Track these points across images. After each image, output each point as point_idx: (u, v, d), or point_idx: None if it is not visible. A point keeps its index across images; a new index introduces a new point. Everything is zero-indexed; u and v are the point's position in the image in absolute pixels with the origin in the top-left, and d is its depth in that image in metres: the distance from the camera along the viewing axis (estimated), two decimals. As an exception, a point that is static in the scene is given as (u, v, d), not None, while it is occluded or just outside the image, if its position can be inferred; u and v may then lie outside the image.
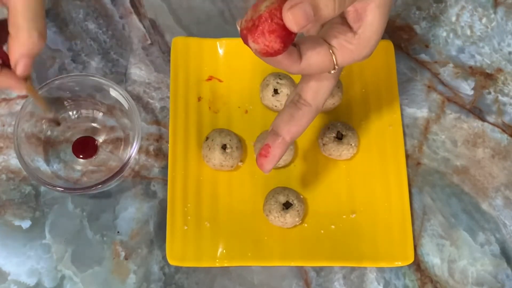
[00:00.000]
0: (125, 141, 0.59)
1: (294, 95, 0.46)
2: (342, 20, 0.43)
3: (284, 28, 0.37)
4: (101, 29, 0.63)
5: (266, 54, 0.38)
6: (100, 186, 0.55)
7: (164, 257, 0.56)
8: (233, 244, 0.56)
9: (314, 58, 0.42)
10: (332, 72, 0.43)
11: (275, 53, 0.38)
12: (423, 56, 0.64)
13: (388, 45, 0.63)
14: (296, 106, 0.46)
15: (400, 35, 0.65)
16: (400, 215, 0.57)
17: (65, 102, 0.59)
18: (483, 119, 0.62)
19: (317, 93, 0.45)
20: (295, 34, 0.38)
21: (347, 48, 0.42)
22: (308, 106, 0.45)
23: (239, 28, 0.39)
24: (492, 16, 0.65)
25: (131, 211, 0.58)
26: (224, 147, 0.57)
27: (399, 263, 0.56)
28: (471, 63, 0.64)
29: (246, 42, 0.39)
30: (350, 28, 0.42)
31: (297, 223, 0.56)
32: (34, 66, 0.61)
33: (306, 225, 0.57)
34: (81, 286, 0.55)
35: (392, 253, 0.56)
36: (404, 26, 0.65)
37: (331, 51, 0.42)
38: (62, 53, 0.62)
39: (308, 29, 0.38)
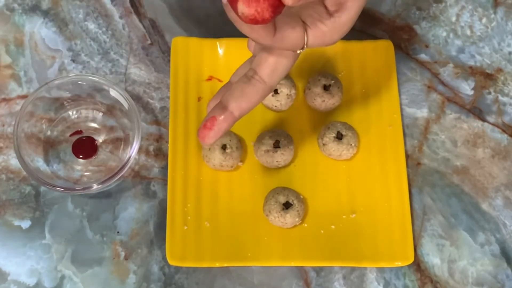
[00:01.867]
0: (125, 141, 0.59)
1: (249, 70, 0.45)
2: (320, 1, 0.42)
3: None
4: (101, 29, 0.63)
5: (253, 21, 0.37)
6: (100, 186, 0.55)
7: (164, 257, 0.56)
8: (233, 244, 0.56)
9: (289, 33, 0.41)
10: (299, 52, 0.42)
11: (261, 22, 0.37)
12: (423, 56, 0.64)
13: (388, 45, 0.63)
14: (250, 82, 0.44)
15: (400, 35, 0.65)
16: (400, 215, 0.57)
17: (65, 102, 0.59)
18: (483, 119, 0.62)
19: (274, 71, 0.44)
20: (283, 7, 0.37)
21: (320, 30, 0.42)
22: (263, 83, 0.44)
23: None
24: (492, 16, 0.66)
25: (131, 211, 0.58)
26: (224, 147, 0.57)
27: (399, 263, 0.56)
28: (471, 63, 0.64)
29: (234, 3, 0.36)
30: (327, 10, 0.42)
31: (297, 223, 0.56)
32: (33, 66, 0.62)
33: (306, 225, 0.57)
34: (81, 286, 0.55)
35: (392, 253, 0.56)
36: (404, 26, 0.65)
37: (304, 30, 0.41)
38: (62, 53, 0.62)
39: (301, 4, 0.37)
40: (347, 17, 0.42)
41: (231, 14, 0.39)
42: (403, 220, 0.57)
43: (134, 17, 0.64)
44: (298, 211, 0.55)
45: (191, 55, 0.61)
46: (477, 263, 0.57)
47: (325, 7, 0.42)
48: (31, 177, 0.55)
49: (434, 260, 0.57)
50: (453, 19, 0.65)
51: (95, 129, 0.60)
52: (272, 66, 0.44)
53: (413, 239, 0.57)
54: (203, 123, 0.44)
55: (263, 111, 0.60)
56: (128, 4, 0.64)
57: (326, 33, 0.42)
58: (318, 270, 0.57)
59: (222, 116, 0.44)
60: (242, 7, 0.36)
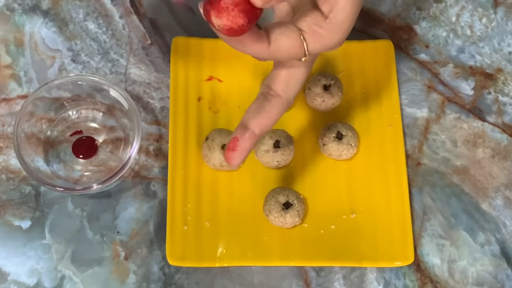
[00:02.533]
0: (125, 141, 0.59)
1: (264, 86, 0.45)
2: (313, 6, 0.42)
3: (248, 2, 0.36)
4: (101, 29, 0.63)
5: (230, 31, 0.37)
6: (100, 186, 0.55)
7: (164, 257, 0.56)
8: (233, 244, 0.56)
9: (284, 42, 0.40)
10: (303, 59, 0.42)
11: (239, 30, 0.37)
12: (423, 56, 0.64)
13: (388, 45, 0.63)
14: (266, 98, 0.44)
15: (400, 35, 0.64)
16: (400, 215, 0.57)
17: (65, 102, 0.59)
18: (483, 119, 0.62)
19: (288, 84, 0.44)
20: (260, 10, 0.37)
21: (318, 33, 0.41)
22: (278, 97, 0.44)
23: (201, 10, 0.38)
24: (492, 16, 0.66)
25: (131, 211, 0.58)
26: (224, 147, 0.57)
27: (399, 263, 0.56)
28: (471, 63, 0.64)
29: (209, 19, 0.37)
30: (321, 13, 0.41)
31: (297, 223, 0.56)
32: (33, 66, 0.62)
33: (306, 225, 0.57)
34: (81, 286, 0.55)
35: (392, 253, 0.56)
36: (404, 26, 0.65)
37: (302, 37, 0.41)
38: (62, 53, 0.62)
39: (272, 5, 0.37)
40: (342, 15, 0.41)
41: (221, 36, 0.39)
42: (403, 220, 0.57)
43: (134, 17, 0.64)
44: (298, 211, 0.55)
45: (191, 55, 0.61)
46: (477, 263, 0.57)
47: (320, 11, 0.41)
48: (31, 177, 0.55)
49: (434, 260, 0.57)
50: (453, 19, 0.65)
51: (95, 129, 0.60)
52: (284, 79, 0.44)
53: (413, 239, 0.57)
54: (227, 146, 0.45)
55: (263, 111, 0.60)
56: (128, 4, 0.64)
57: (324, 35, 0.41)
58: (318, 270, 0.57)
59: (243, 136, 0.44)
60: (215, 21, 0.37)
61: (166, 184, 0.58)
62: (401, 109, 0.61)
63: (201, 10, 0.38)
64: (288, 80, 0.44)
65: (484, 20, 0.65)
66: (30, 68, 0.62)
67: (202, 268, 0.56)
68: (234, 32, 0.37)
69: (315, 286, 0.56)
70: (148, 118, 0.61)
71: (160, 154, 0.60)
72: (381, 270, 0.57)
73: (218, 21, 0.37)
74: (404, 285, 0.56)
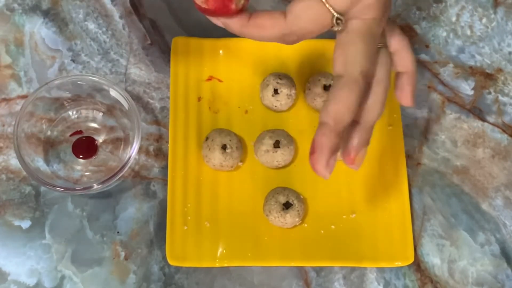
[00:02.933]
0: (125, 141, 0.59)
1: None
2: None
3: None
4: (101, 29, 0.63)
5: (216, 10, 0.37)
6: (100, 186, 0.55)
7: (164, 257, 0.56)
8: (233, 244, 0.56)
9: (300, 6, 0.38)
10: (339, 22, 0.38)
11: (224, 5, 0.36)
12: (423, 56, 0.64)
13: (388, 45, 0.62)
14: (333, 85, 0.40)
15: (400, 35, 0.64)
16: (400, 215, 0.57)
17: (65, 102, 0.59)
18: (483, 119, 0.62)
19: (346, 60, 0.40)
20: None
21: None
22: (341, 78, 0.40)
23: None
24: (492, 16, 0.66)
25: (131, 211, 0.58)
26: (224, 147, 0.57)
27: (399, 263, 0.56)
28: (471, 63, 0.64)
29: (197, 6, 0.37)
30: None
31: (297, 223, 0.56)
32: (33, 66, 0.62)
33: (306, 225, 0.57)
34: (81, 286, 0.55)
35: (392, 253, 0.56)
36: (404, 26, 0.65)
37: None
38: (62, 53, 0.62)
39: None
40: None
41: (227, 26, 0.39)
42: (403, 220, 0.57)
43: (134, 17, 0.64)
44: (298, 211, 0.55)
45: (191, 55, 0.61)
46: (477, 263, 0.57)
47: None
48: (31, 177, 0.55)
49: (434, 260, 0.57)
50: (453, 19, 0.65)
51: (95, 129, 0.60)
52: (341, 57, 0.40)
53: (413, 239, 0.57)
54: (310, 151, 0.41)
55: (263, 111, 0.60)
56: (128, 4, 0.64)
57: None
58: (318, 270, 0.57)
59: (319, 133, 0.40)
60: (199, 2, 0.37)
61: (166, 184, 0.58)
62: (401, 109, 0.61)
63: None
64: (346, 56, 0.40)
65: (484, 20, 0.65)
66: (30, 68, 0.62)
67: (202, 268, 0.56)
68: (223, 11, 0.37)
69: (315, 286, 0.56)
70: (148, 118, 0.61)
71: (160, 154, 0.60)
72: (381, 270, 0.57)
73: (204, 5, 0.37)
74: (404, 285, 0.56)
